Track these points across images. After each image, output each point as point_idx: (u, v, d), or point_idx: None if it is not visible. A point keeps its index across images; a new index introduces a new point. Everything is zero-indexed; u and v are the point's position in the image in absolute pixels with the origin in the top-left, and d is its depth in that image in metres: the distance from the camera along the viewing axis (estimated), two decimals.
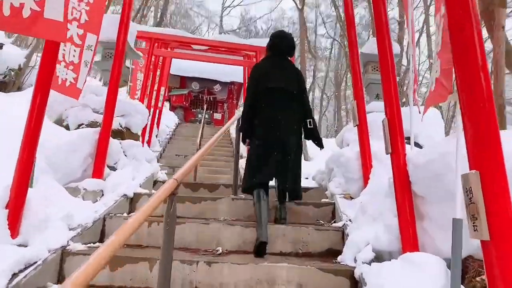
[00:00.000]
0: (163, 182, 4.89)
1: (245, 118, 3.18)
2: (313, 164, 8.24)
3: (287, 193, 3.19)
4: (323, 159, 9.28)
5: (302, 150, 3.25)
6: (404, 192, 2.34)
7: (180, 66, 16.64)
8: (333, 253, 2.92)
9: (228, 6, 27.98)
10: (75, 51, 3.69)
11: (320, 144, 3.30)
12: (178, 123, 14.44)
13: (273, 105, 3.03)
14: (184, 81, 17.06)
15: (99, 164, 3.58)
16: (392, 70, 2.54)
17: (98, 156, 3.60)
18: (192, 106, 17.33)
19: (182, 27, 23.95)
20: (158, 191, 1.58)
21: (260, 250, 2.68)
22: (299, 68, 11.12)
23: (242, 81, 17.59)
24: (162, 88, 10.51)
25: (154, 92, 9.74)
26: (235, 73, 17.15)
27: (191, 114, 16.96)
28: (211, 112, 17.34)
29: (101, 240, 3.03)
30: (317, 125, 3.66)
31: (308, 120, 3.20)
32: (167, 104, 17.48)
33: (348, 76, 14.89)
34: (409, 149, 2.54)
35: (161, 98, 10.43)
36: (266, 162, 2.99)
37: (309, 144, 9.86)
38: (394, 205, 2.48)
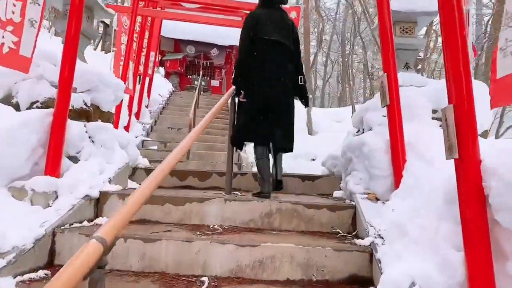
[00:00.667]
0: (145, 169, 4.11)
1: (240, 72, 3.07)
2: (318, 140, 7.45)
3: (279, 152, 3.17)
4: (329, 134, 8.45)
5: (294, 104, 3.17)
6: (478, 218, 1.56)
7: (174, 29, 15.44)
8: (358, 281, 2.19)
9: None
10: (14, 5, 2.79)
11: (306, 103, 3.27)
12: (173, 91, 13.48)
13: (268, 59, 2.99)
14: (178, 44, 15.89)
15: (53, 156, 2.77)
16: (460, 30, 1.68)
17: (52, 145, 2.78)
18: (188, 72, 16.27)
19: None
20: (65, 269, 0.79)
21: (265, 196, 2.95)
22: (302, 29, 9.85)
23: None
24: (152, 53, 9.51)
25: (143, 58, 8.77)
26: (233, 36, 15.96)
27: (186, 81, 15.94)
28: (208, 78, 16.31)
29: (50, 264, 2.28)
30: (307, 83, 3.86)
31: (299, 77, 3.14)
32: (162, 71, 16.42)
33: (357, 40, 13.75)
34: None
35: (151, 64, 9.46)
36: (261, 122, 3.00)
37: (314, 118, 9.01)
38: (454, 233, 1.71)
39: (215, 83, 16.23)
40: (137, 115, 8.44)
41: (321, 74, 22.87)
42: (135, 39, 7.94)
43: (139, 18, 7.85)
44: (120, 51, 7.01)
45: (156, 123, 9.15)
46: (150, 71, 9.41)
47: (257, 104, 3.02)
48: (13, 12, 2.77)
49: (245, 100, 3.13)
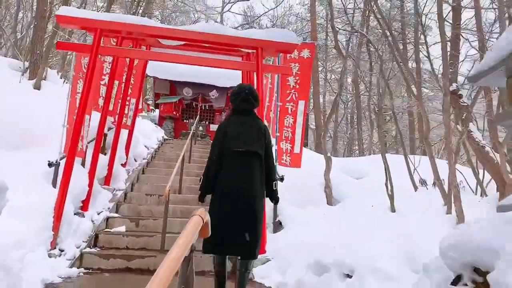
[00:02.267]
0: None
1: (207, 179, 3.11)
2: (344, 219, 5.46)
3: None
4: (356, 205, 6.44)
5: (264, 210, 3.23)
6: None
7: (169, 69, 14.00)
8: None
9: (230, 2, 25.29)
10: None
11: (276, 203, 3.55)
12: (164, 140, 11.75)
13: (237, 168, 3.04)
14: (174, 86, 14.38)
15: None
16: None
17: None
18: (184, 117, 14.63)
19: (176, 22, 21.29)
20: None
21: None
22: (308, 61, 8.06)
23: None
24: (133, 100, 7.83)
25: (119, 106, 7.07)
26: (234, 77, 14.48)
27: (182, 126, 14.26)
28: (207, 123, 14.65)
29: None
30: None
31: (273, 182, 3.20)
32: (155, 114, 14.83)
33: (374, 79, 12.11)
34: None
35: (130, 113, 7.74)
36: (226, 232, 2.94)
37: (337, 183, 7.06)
38: None
39: (214, 127, 14.51)
40: (106, 180, 6.60)
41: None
42: (104, 83, 6.26)
43: (109, 59, 6.22)
44: (75, 102, 5.28)
45: (133, 188, 7.26)
46: (129, 122, 7.67)
47: (223, 213, 2.96)
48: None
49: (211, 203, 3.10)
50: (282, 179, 5.30)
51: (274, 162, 3.27)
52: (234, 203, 2.94)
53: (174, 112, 13.97)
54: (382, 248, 3.78)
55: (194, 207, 6.35)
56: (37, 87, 9.94)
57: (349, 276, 3.34)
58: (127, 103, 7.60)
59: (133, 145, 8.36)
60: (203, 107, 14.37)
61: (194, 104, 14.52)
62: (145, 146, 9.75)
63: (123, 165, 7.65)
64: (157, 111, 14.94)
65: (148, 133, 10.69)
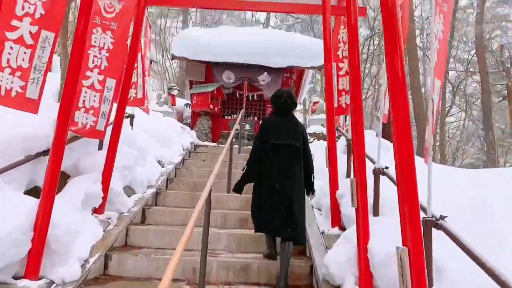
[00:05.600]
0: None
1: (251, 167, 3.56)
2: None
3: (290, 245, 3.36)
4: None
5: (305, 199, 3.58)
6: None
7: (203, 48, 10.11)
8: None
9: None
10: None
11: (312, 194, 3.86)
12: (194, 147, 7.89)
13: (279, 158, 3.43)
14: (210, 71, 10.47)
15: None
16: None
17: None
18: (225, 111, 10.70)
19: None
20: None
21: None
22: None
23: (306, 65, 10.64)
24: (111, 82, 3.90)
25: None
26: (292, 53, 10.30)
27: (223, 125, 10.32)
28: (255, 119, 10.61)
29: None
30: None
31: (311, 174, 3.62)
32: (189, 110, 11.06)
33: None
34: None
35: (105, 107, 3.82)
36: (271, 216, 3.34)
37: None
38: None
39: None
40: (29, 267, 2.74)
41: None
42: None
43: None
44: None
45: (108, 266, 3.36)
46: (102, 125, 3.77)
47: (265, 197, 3.38)
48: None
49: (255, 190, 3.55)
50: None
51: (312, 156, 3.71)
52: (275, 187, 3.34)
53: (211, 106, 10.03)
54: None
55: None
56: None
57: None
58: (99, 84, 3.73)
59: (126, 164, 4.53)
60: (249, 97, 10.34)
61: (237, 94, 10.52)
62: (158, 162, 5.91)
63: (98, 210, 3.82)
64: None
65: (167, 139, 6.83)
